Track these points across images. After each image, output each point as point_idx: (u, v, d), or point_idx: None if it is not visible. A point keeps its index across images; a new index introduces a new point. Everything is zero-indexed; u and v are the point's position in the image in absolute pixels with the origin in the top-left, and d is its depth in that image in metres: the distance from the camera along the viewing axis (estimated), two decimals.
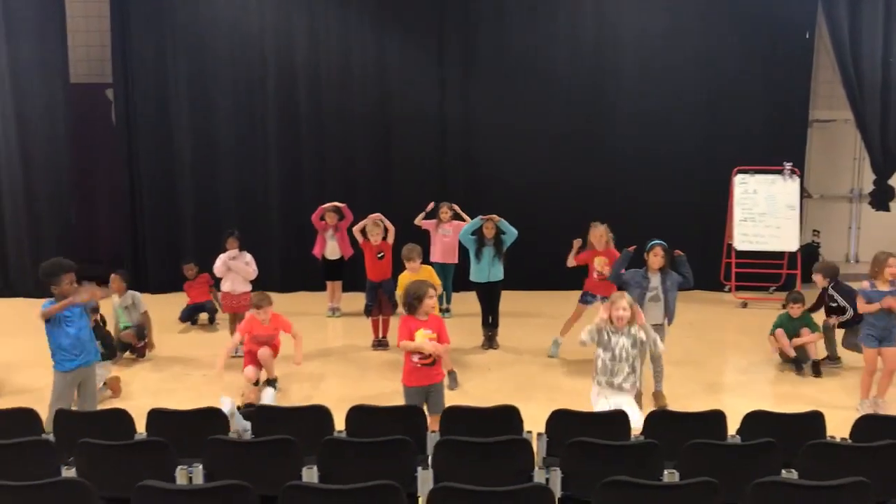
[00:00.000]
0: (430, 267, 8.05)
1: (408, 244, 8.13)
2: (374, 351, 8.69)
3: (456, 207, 9.92)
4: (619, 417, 4.95)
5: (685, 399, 6.99)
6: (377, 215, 9.01)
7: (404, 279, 7.57)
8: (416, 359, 5.62)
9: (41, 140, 11.32)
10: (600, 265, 8.07)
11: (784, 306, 8.45)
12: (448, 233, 9.82)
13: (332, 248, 10.07)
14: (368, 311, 8.85)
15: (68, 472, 4.08)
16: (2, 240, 11.44)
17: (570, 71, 11.42)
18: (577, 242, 8.20)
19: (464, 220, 9.55)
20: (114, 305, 8.49)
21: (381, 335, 8.83)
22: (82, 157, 11.93)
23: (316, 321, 9.92)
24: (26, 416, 4.80)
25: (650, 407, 6.48)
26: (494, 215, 8.56)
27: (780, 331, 8.02)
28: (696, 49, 11.27)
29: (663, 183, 11.42)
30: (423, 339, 5.60)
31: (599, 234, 8.08)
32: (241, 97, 11.50)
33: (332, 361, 8.42)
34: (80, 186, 11.96)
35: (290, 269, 11.45)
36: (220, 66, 11.41)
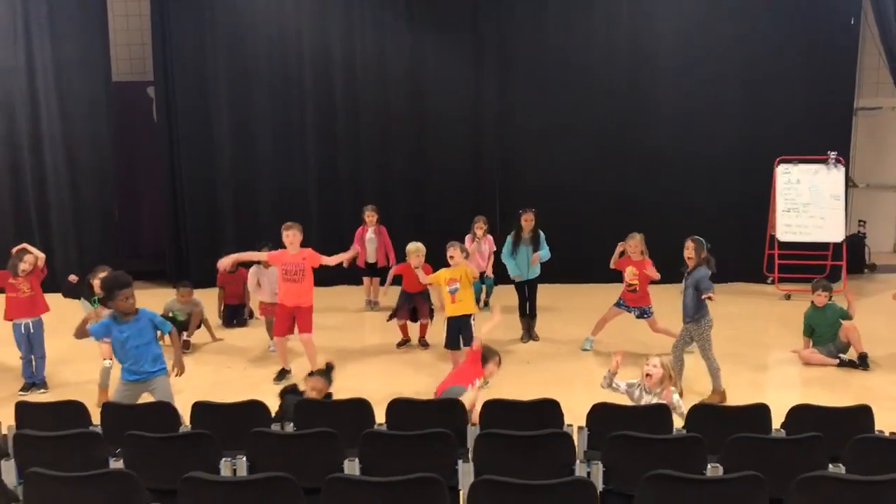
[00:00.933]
0: (466, 264, 7.96)
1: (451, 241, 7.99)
2: (413, 347, 8.68)
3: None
4: (661, 411, 4.91)
5: (729, 392, 6.90)
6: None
7: (443, 274, 7.56)
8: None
9: (84, 137, 11.56)
10: (629, 276, 8.00)
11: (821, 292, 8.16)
12: (483, 249, 9.78)
13: (370, 252, 10.08)
14: (395, 316, 8.70)
15: (116, 464, 4.15)
16: (47, 235, 11.68)
17: (607, 65, 11.32)
18: (620, 246, 8.12)
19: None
20: (167, 306, 8.81)
21: (420, 336, 8.79)
22: (124, 153, 12.16)
23: (353, 316, 9.95)
24: (75, 409, 4.90)
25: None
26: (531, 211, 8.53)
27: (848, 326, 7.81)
28: (736, 38, 11.09)
29: (703, 174, 11.28)
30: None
31: (635, 243, 8.00)
32: (279, 95, 11.61)
33: (370, 356, 8.46)
34: (123, 183, 12.18)
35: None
36: (259, 65, 11.53)
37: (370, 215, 10.06)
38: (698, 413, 4.97)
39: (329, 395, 5.78)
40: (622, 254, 8.12)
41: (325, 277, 11.30)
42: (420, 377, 7.65)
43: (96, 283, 6.91)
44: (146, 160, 12.40)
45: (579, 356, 8.29)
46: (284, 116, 11.66)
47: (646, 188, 11.28)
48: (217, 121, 11.69)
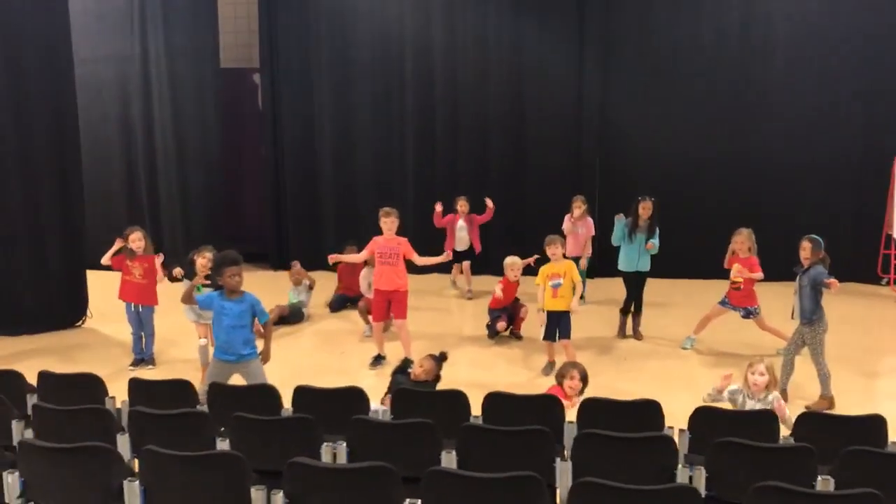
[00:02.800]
0: (570, 261, 7.86)
1: (550, 235, 7.88)
2: (502, 337, 8.62)
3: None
4: (767, 417, 4.73)
5: (837, 399, 6.62)
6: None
7: (545, 270, 7.49)
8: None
9: (193, 122, 11.98)
10: (735, 273, 7.72)
11: None
12: (579, 230, 9.65)
13: (461, 240, 10.11)
14: (494, 334, 8.62)
15: (222, 444, 4.29)
16: (156, 217, 12.18)
17: (716, 57, 10.97)
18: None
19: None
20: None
21: (514, 328, 8.73)
22: (230, 138, 12.54)
23: (446, 303, 9.99)
24: (183, 388, 5.09)
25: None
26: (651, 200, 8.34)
27: None
28: (855, 29, 10.55)
29: (815, 172, 10.84)
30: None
31: (742, 239, 7.72)
32: (379, 83, 11.76)
33: (462, 345, 8.46)
34: (228, 167, 12.57)
35: (422, 252, 11.61)
36: (360, 53, 11.70)
37: (462, 205, 10.13)
38: (807, 421, 4.77)
39: (437, 380, 5.82)
40: (734, 252, 7.85)
41: (418, 266, 11.49)
42: (514, 368, 7.63)
43: (200, 261, 7.16)
44: (251, 145, 12.76)
45: (679, 355, 8.09)
46: (385, 104, 11.79)
47: (755, 185, 10.90)
48: (319, 108, 11.93)
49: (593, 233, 9.74)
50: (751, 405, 5.31)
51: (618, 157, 11.31)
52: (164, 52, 11.81)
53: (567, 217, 9.66)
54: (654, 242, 8.29)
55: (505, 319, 8.56)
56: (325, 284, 10.03)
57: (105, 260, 7.73)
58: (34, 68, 8.82)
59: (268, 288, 8.93)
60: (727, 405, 5.45)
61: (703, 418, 4.73)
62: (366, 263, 8.79)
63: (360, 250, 9.65)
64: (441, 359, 5.95)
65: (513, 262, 8.51)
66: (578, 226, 9.63)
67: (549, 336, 7.48)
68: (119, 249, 7.67)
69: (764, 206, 10.64)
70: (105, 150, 12.06)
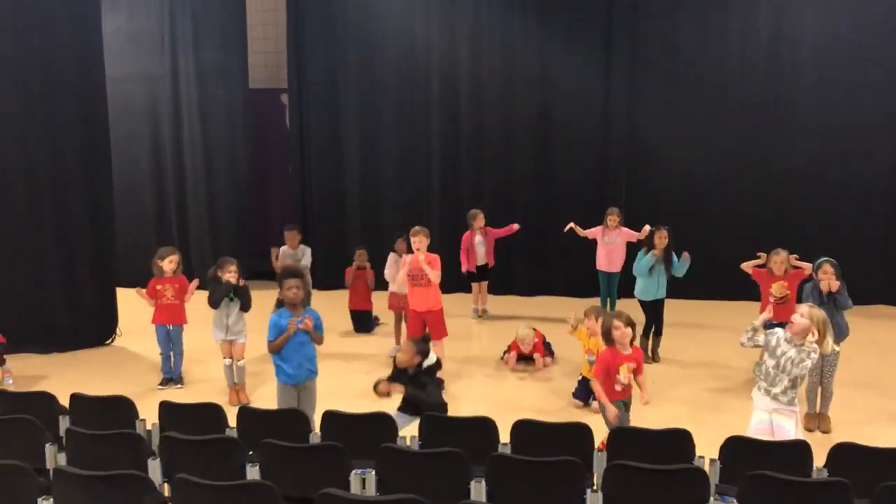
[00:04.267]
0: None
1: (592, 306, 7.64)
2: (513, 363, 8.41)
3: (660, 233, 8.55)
4: (800, 449, 4.66)
5: (867, 427, 6.52)
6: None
7: (583, 338, 7.29)
8: (618, 388, 5.67)
9: (221, 142, 12.12)
10: (778, 290, 7.61)
11: None
12: (615, 241, 9.57)
13: (480, 255, 10.11)
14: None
15: (251, 469, 4.31)
16: (184, 234, 12.31)
17: (743, 75, 10.92)
18: (762, 256, 7.77)
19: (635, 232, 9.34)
20: (283, 254, 9.38)
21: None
22: (258, 157, 12.66)
23: (461, 322, 9.90)
24: (213, 411, 5.12)
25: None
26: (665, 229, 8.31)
27: None
28: (884, 48, 10.47)
29: (845, 190, 10.73)
30: (627, 373, 5.67)
31: (781, 260, 7.61)
32: (405, 102, 11.84)
33: (482, 367, 8.40)
34: (256, 186, 12.68)
35: (446, 270, 11.63)
36: (387, 72, 11.80)
37: (479, 219, 10.07)
38: (841, 453, 4.69)
39: (420, 363, 5.70)
40: (762, 265, 7.76)
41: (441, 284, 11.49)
42: (539, 393, 7.59)
43: (226, 275, 7.22)
44: (278, 165, 12.88)
45: (709, 379, 7.99)
46: (410, 123, 11.87)
47: (782, 203, 10.82)
48: (345, 127, 12.03)
49: (632, 239, 9.49)
50: (783, 350, 5.24)
51: (644, 175, 11.28)
52: (194, 72, 11.96)
53: (599, 229, 9.62)
54: (685, 262, 8.25)
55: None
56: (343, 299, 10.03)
57: (143, 297, 7.80)
58: (68, 87, 8.96)
59: None
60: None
61: (734, 448, 4.68)
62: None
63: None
64: (424, 340, 5.92)
65: (525, 336, 8.24)
66: (612, 236, 9.54)
67: (582, 398, 7.26)
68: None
69: (791, 225, 10.52)
70: (134, 168, 12.23)
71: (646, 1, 11.04)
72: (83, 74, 9.09)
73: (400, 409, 5.72)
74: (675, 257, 8.32)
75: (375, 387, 5.77)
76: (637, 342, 6.00)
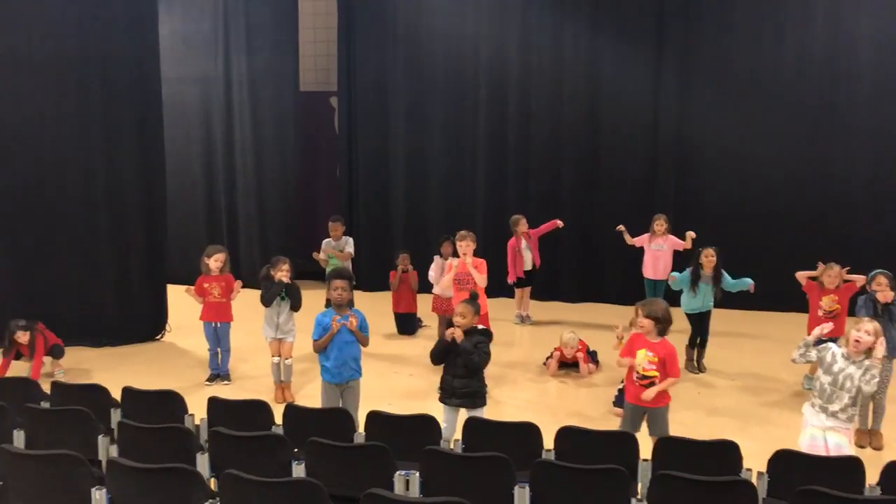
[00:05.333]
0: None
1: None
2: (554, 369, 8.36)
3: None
4: (853, 464, 4.55)
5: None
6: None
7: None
8: (635, 377, 5.60)
9: (272, 144, 12.29)
10: (828, 304, 7.46)
11: None
12: (662, 247, 9.48)
13: (527, 261, 10.05)
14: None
15: (297, 467, 4.36)
16: (235, 236, 12.49)
17: (798, 81, 10.70)
18: (820, 267, 7.61)
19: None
20: (326, 245, 9.66)
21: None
22: (307, 159, 12.82)
23: (504, 327, 9.87)
24: (260, 408, 5.19)
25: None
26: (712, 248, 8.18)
27: None
28: None
29: None
30: (644, 359, 5.57)
31: (834, 275, 7.43)
32: (453, 105, 11.88)
33: (525, 372, 8.38)
34: (304, 187, 12.83)
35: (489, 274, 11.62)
36: (435, 75, 11.86)
37: (523, 225, 10.01)
38: (894, 472, 4.57)
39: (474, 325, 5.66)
40: (815, 278, 7.60)
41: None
42: (582, 400, 7.55)
43: (279, 274, 7.32)
44: (327, 166, 13.01)
45: (754, 390, 7.86)
46: (458, 126, 11.90)
47: (834, 212, 10.58)
48: (393, 129, 12.11)
49: (678, 248, 9.41)
50: (841, 367, 5.10)
51: (694, 181, 11.13)
52: (247, 74, 12.15)
53: (646, 236, 9.55)
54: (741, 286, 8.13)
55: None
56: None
57: (192, 294, 7.92)
58: (125, 88, 9.17)
59: None
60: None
61: (783, 462, 4.59)
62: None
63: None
64: (474, 298, 5.96)
65: (570, 339, 8.18)
66: (659, 242, 9.46)
67: (620, 405, 7.15)
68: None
69: (844, 235, 10.27)
70: (187, 168, 12.46)
71: (698, 7, 10.91)
72: (140, 76, 9.29)
73: (441, 399, 5.73)
74: (724, 274, 8.15)
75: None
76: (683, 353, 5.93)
